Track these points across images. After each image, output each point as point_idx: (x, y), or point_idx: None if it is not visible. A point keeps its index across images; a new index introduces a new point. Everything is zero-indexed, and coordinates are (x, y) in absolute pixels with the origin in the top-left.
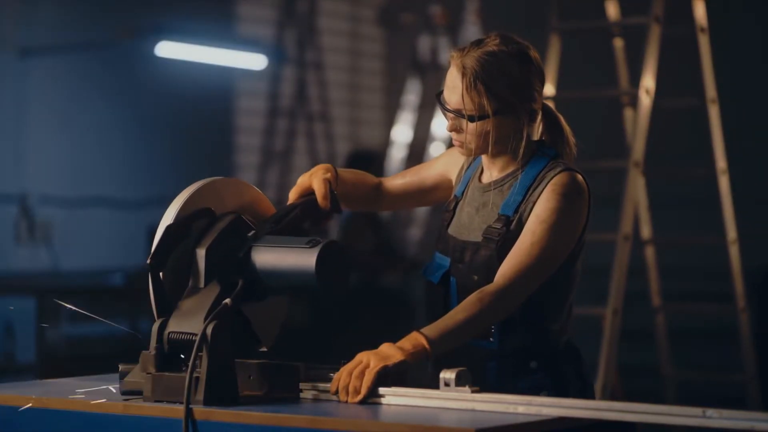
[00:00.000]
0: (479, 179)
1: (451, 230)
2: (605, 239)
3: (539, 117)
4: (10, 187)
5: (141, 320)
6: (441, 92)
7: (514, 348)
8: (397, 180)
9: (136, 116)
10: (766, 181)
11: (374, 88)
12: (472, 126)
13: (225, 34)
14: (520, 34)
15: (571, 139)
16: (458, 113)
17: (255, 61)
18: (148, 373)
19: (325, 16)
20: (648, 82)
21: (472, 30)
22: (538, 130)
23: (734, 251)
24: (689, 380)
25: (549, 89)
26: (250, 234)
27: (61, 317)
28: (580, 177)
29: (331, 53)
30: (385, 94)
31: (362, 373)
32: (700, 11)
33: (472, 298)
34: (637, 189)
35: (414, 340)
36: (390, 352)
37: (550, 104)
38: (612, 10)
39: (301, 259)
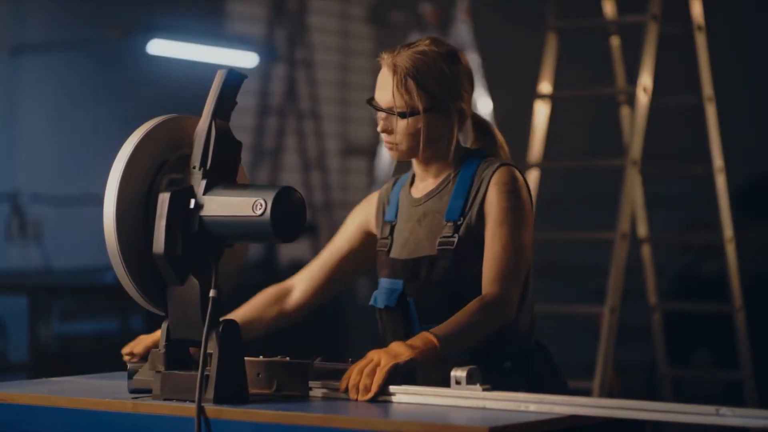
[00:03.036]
0: (410, 194)
1: (393, 254)
2: (602, 238)
3: (468, 120)
4: (1, 185)
5: (132, 318)
6: (372, 97)
7: (485, 352)
8: (304, 274)
9: (128, 114)
10: (762, 178)
11: (364, 86)
12: (403, 124)
13: (216, 32)
14: (510, 31)
15: (504, 145)
16: (390, 111)
17: (246, 59)
18: (157, 372)
19: (316, 14)
20: (646, 80)
21: (462, 28)
22: (468, 139)
23: (731, 249)
24: (685, 379)
25: (546, 88)
26: (191, 207)
27: (52, 315)
28: (517, 171)
29: (321, 51)
30: None
31: (373, 371)
32: (697, 9)
33: (475, 304)
34: (634, 187)
35: (424, 338)
36: (400, 350)
37: (548, 104)
38: (609, 9)
39: (257, 225)
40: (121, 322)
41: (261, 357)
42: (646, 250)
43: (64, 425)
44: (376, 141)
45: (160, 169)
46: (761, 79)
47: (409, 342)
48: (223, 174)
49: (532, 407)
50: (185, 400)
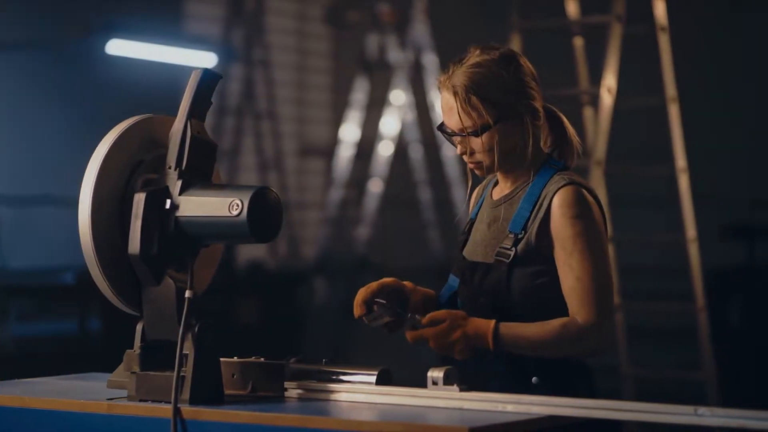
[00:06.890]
0: (491, 196)
1: (465, 251)
2: None
3: (543, 117)
4: None
5: (91, 319)
6: (441, 123)
7: (516, 366)
8: None
9: (86, 114)
10: (726, 180)
11: (322, 87)
12: (478, 142)
13: (174, 33)
14: (470, 31)
15: (575, 139)
16: (462, 134)
17: (203, 59)
18: (132, 372)
19: (273, 14)
20: (610, 81)
21: (419, 28)
22: (544, 136)
23: (693, 250)
24: (648, 378)
25: None
26: (167, 207)
27: (10, 316)
28: (584, 190)
29: (278, 51)
30: (333, 93)
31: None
32: (660, 10)
33: (556, 324)
34: (599, 188)
35: (483, 336)
36: (459, 347)
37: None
38: (572, 9)
39: (233, 225)
40: (79, 323)
41: (235, 358)
42: (609, 250)
43: (39, 427)
44: (333, 142)
45: (135, 170)
46: (723, 80)
47: (472, 332)
48: (199, 174)
49: (509, 407)
50: (161, 401)
